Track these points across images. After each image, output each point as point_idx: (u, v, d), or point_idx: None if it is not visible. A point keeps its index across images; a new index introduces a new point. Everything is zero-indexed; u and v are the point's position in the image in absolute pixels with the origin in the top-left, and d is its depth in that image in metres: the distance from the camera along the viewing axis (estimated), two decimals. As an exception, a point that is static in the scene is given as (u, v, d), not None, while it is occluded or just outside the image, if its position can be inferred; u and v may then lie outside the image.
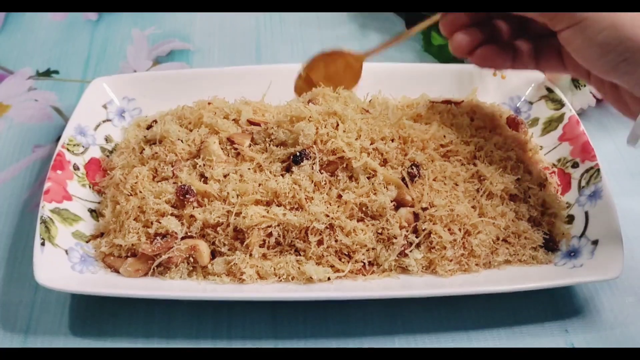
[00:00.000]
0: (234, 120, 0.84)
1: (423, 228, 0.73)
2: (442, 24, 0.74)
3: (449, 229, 0.73)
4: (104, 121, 0.90)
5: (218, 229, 0.74)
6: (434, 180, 0.76)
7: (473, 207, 0.75)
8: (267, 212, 0.74)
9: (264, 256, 0.74)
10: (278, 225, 0.73)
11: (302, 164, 0.76)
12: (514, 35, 0.75)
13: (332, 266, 0.73)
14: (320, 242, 0.73)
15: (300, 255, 0.74)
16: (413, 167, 0.76)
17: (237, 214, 0.74)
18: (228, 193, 0.75)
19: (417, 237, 0.74)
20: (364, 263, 0.74)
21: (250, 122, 0.83)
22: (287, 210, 0.74)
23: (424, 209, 0.74)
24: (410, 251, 0.73)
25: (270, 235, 0.74)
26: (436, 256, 0.73)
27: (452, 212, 0.73)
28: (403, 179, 0.75)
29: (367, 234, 0.73)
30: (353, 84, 0.85)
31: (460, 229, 0.73)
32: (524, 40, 0.75)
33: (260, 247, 0.74)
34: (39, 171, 0.90)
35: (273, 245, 0.74)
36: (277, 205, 0.74)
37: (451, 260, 0.73)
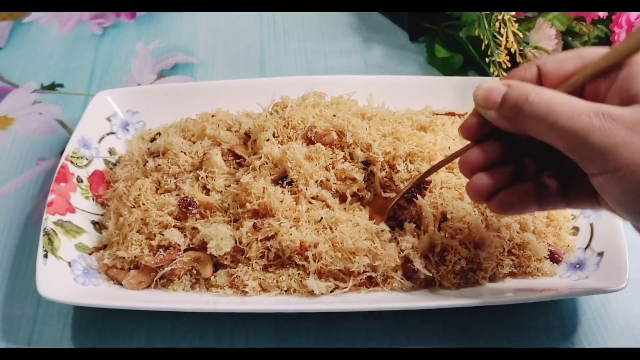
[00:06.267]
0: (236, 132, 0.84)
1: (437, 242, 0.73)
2: (461, 163, 0.63)
3: (464, 244, 0.73)
4: (107, 134, 0.90)
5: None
6: (441, 191, 0.76)
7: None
8: (263, 224, 0.73)
9: (266, 268, 0.73)
10: (273, 237, 0.73)
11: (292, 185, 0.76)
12: (539, 171, 0.63)
13: (334, 279, 0.73)
14: (319, 259, 0.72)
15: (300, 269, 0.73)
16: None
17: (237, 228, 0.74)
18: (229, 204, 0.75)
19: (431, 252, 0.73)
20: (368, 276, 0.73)
21: (247, 134, 0.83)
22: (284, 222, 0.73)
23: (442, 220, 0.74)
24: (416, 271, 0.72)
25: (268, 249, 0.73)
26: (445, 269, 0.72)
27: (470, 225, 0.73)
28: (411, 192, 0.75)
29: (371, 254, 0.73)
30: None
31: (470, 242, 0.73)
32: (551, 177, 0.62)
33: (260, 258, 0.73)
34: (43, 184, 0.90)
35: (273, 257, 0.74)
36: (272, 217, 0.74)
37: (457, 274, 0.72)
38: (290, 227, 0.73)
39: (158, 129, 0.91)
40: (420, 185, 0.75)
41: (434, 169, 0.72)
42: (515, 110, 0.55)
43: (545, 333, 0.73)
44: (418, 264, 0.72)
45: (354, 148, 0.77)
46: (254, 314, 0.74)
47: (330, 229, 0.73)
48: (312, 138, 0.78)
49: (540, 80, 0.58)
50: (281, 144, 0.78)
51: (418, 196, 0.75)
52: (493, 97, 0.57)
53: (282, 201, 0.74)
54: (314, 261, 0.71)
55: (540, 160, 0.63)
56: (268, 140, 0.78)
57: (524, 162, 0.63)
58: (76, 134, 0.86)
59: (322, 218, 0.73)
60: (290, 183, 0.75)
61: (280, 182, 0.76)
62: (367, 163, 0.77)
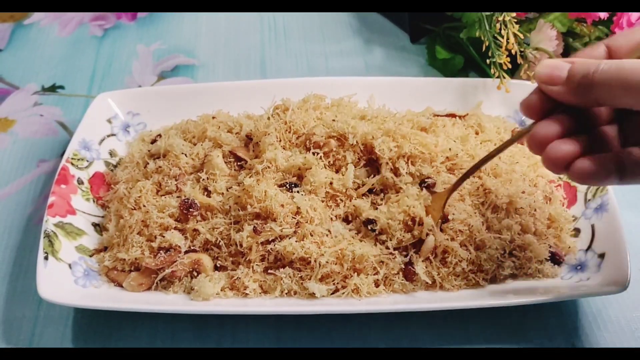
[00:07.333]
0: (237, 134, 0.84)
1: (439, 244, 0.73)
2: (530, 139, 0.61)
3: (464, 246, 0.73)
4: (108, 135, 0.90)
5: (220, 243, 0.74)
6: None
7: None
8: (264, 227, 0.73)
9: (266, 270, 0.73)
10: (274, 241, 0.73)
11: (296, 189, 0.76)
12: (622, 142, 0.62)
13: (334, 283, 0.72)
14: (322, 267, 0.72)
15: (302, 272, 0.73)
16: (427, 180, 0.75)
17: (238, 230, 0.74)
18: (230, 206, 0.75)
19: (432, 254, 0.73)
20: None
21: (248, 136, 0.83)
22: (286, 227, 0.73)
23: (442, 222, 0.74)
24: (417, 273, 0.72)
25: (269, 252, 0.73)
26: (446, 271, 0.72)
27: (470, 227, 0.73)
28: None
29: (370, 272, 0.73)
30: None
31: (471, 244, 0.73)
32: (630, 148, 0.61)
33: (261, 261, 0.73)
34: (44, 185, 0.90)
35: (274, 260, 0.74)
36: (273, 220, 0.74)
37: (458, 276, 0.72)
38: (293, 233, 0.73)
39: (159, 131, 0.91)
40: (426, 187, 0.75)
41: (489, 158, 0.69)
42: (586, 81, 0.56)
43: (546, 334, 0.72)
44: (420, 269, 0.72)
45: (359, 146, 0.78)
46: (255, 315, 0.74)
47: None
48: (311, 147, 0.78)
49: (611, 56, 0.60)
50: (284, 149, 0.78)
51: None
52: (557, 72, 0.58)
53: (283, 205, 0.74)
54: (318, 266, 0.72)
55: (621, 133, 0.63)
56: (272, 144, 0.78)
57: (599, 133, 0.62)
58: (77, 136, 0.86)
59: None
60: (295, 186, 0.75)
61: (285, 186, 0.76)
62: (371, 161, 0.78)
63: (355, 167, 0.77)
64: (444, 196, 0.73)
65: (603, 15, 0.91)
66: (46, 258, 0.72)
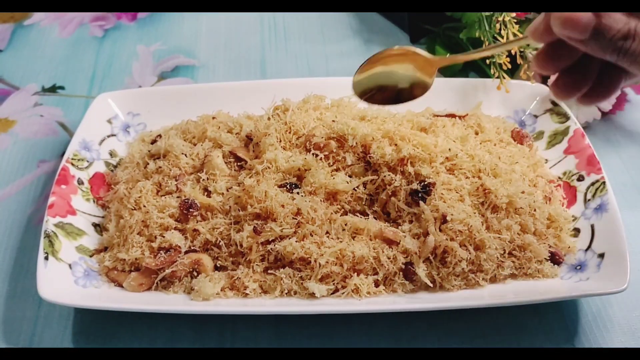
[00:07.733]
0: (237, 134, 0.84)
1: (439, 244, 0.73)
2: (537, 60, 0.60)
3: (464, 246, 0.73)
4: (108, 136, 0.90)
5: (221, 243, 0.74)
6: (442, 193, 0.75)
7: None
8: (264, 227, 0.73)
9: (266, 270, 0.73)
10: (274, 241, 0.73)
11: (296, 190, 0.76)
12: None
13: (334, 283, 0.72)
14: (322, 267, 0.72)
15: (302, 272, 0.73)
16: (425, 182, 0.75)
17: (238, 230, 0.74)
18: (230, 207, 0.75)
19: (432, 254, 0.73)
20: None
21: (248, 137, 0.83)
22: (286, 227, 0.73)
23: (442, 222, 0.74)
24: (416, 272, 0.73)
25: (269, 252, 0.74)
26: (445, 272, 0.72)
27: (470, 227, 0.73)
28: (415, 193, 0.75)
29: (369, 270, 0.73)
30: (418, 93, 0.71)
31: (470, 244, 0.73)
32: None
33: (261, 261, 0.73)
34: (44, 186, 0.91)
35: (274, 260, 0.74)
36: (273, 220, 0.74)
37: (458, 276, 0.72)
38: (293, 234, 0.73)
39: (159, 131, 0.91)
40: (427, 187, 0.75)
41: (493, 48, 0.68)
42: (619, 46, 0.53)
43: (546, 334, 0.72)
44: (421, 270, 0.72)
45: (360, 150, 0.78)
46: (255, 315, 0.74)
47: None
48: (312, 149, 0.78)
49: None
50: (284, 149, 0.78)
51: (420, 202, 0.74)
52: (582, 24, 0.53)
53: (283, 206, 0.74)
54: (318, 266, 0.72)
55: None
56: (272, 145, 0.78)
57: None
58: (77, 136, 0.87)
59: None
60: (295, 187, 0.76)
61: (285, 186, 0.76)
62: (369, 163, 0.78)
63: (354, 167, 0.78)
64: (437, 64, 0.69)
65: (603, 15, 0.91)
66: (46, 258, 0.73)
